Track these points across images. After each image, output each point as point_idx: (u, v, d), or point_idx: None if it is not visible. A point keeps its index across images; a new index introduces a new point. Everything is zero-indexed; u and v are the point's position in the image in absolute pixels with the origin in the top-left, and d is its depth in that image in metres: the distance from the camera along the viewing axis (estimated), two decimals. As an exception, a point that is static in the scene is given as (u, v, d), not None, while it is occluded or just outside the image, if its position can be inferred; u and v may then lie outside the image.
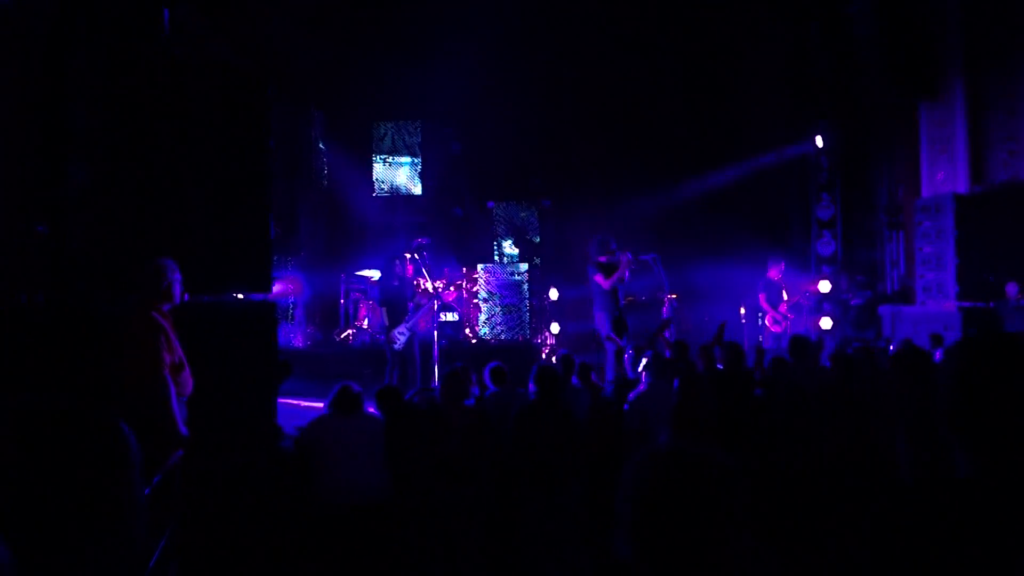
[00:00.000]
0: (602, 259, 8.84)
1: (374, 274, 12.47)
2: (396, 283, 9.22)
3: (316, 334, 12.89)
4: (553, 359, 9.25)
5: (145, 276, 4.56)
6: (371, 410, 5.52)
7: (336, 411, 5.19)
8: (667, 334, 9.45)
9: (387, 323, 9.05)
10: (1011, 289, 9.79)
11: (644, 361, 5.90)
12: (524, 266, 12.79)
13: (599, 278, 8.65)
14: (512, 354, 10.13)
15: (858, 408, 5.45)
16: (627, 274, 8.77)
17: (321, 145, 14.29)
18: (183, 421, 4.49)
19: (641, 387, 5.76)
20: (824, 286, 12.10)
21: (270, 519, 5.18)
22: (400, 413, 5.41)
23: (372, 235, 14.55)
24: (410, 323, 9.12)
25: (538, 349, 11.76)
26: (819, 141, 13.46)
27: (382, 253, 13.15)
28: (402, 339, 9.01)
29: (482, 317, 12.62)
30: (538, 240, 14.08)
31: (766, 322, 10.87)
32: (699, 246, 13.29)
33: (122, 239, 5.37)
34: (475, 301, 12.82)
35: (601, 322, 8.82)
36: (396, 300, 9.15)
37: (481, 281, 12.71)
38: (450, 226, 14.60)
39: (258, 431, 5.63)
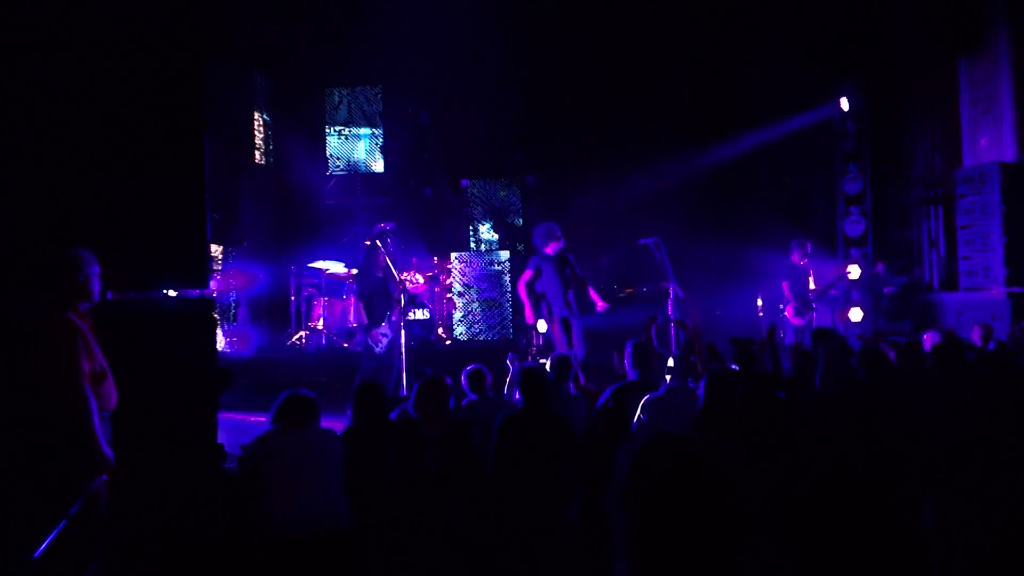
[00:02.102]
0: (548, 250, 9.25)
1: (330, 266, 12.43)
2: (380, 274, 9.20)
3: (262, 337, 12.83)
4: (542, 361, 9.26)
5: (57, 270, 4.50)
6: (327, 423, 5.49)
7: (283, 425, 5.13)
8: (684, 320, 9.51)
9: (366, 321, 9.01)
10: None
11: (671, 361, 5.93)
12: (505, 254, 12.83)
13: (527, 274, 9.16)
14: (493, 356, 10.10)
15: (891, 412, 5.49)
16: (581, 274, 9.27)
17: (265, 116, 14.20)
18: (106, 440, 4.44)
19: (660, 391, 5.78)
20: (854, 271, 12.17)
21: (210, 553, 5.14)
22: (377, 421, 5.40)
23: (327, 220, 14.49)
24: (393, 322, 9.10)
25: (524, 350, 11.76)
26: (844, 104, 13.52)
27: (338, 241, 13.14)
28: (384, 341, 8.99)
29: (457, 314, 12.61)
30: (521, 223, 14.07)
31: (787, 313, 10.93)
32: (708, 228, 13.36)
33: (29, 228, 5.30)
34: (448, 295, 12.80)
35: (552, 322, 9.22)
36: (379, 294, 9.13)
37: (455, 272, 12.70)
38: (418, 208, 14.58)
39: (195, 451, 5.59)
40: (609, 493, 5.31)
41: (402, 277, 10.20)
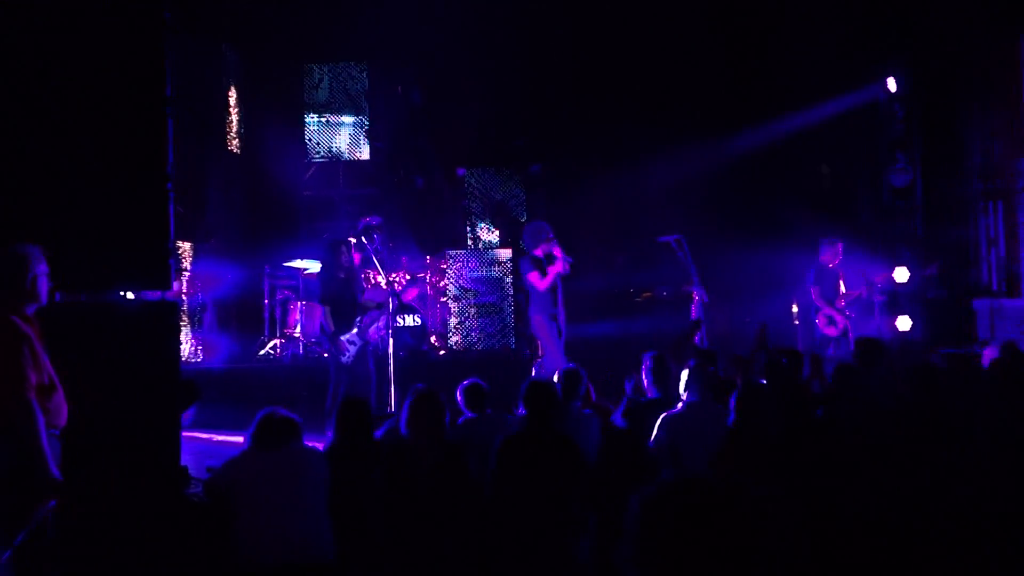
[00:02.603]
0: (538, 252, 9.36)
1: (309, 265, 12.43)
2: (342, 275, 9.21)
3: (232, 345, 12.82)
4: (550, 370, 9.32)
5: (0, 269, 4.50)
6: (311, 443, 5.49)
7: (260, 446, 5.14)
8: (696, 339, 9.50)
9: (331, 328, 9.02)
10: None
11: (685, 375, 5.94)
12: (507, 253, 12.84)
13: (534, 276, 9.25)
14: (493, 369, 10.11)
15: (944, 433, 5.48)
16: (567, 268, 9.33)
17: (236, 95, 14.20)
18: (55, 461, 4.43)
19: (678, 408, 5.78)
20: (900, 274, 12.15)
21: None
22: (362, 441, 5.39)
23: (305, 214, 14.50)
24: (362, 328, 9.11)
25: (527, 362, 11.75)
26: (891, 84, 13.49)
27: (319, 237, 13.13)
28: (352, 349, 9.00)
29: (452, 321, 12.60)
30: (524, 219, 14.08)
31: (818, 322, 10.94)
32: (736, 224, 13.34)
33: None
34: (443, 299, 12.79)
35: (539, 326, 9.37)
36: (342, 298, 9.14)
37: (450, 273, 12.69)
38: (408, 201, 14.58)
39: (157, 474, 5.58)
40: (618, 542, 5.31)
41: (391, 278, 10.21)
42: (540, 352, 11.41)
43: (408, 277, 12.30)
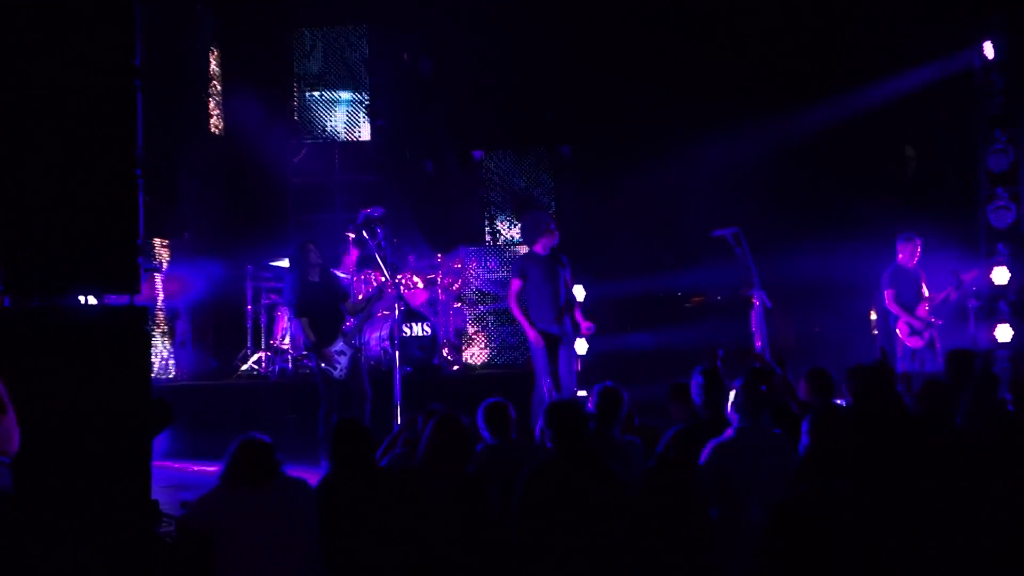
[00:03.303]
0: (538, 248, 9.63)
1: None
2: (316, 279, 9.27)
3: (210, 359, 12.85)
4: (581, 395, 9.28)
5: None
6: (297, 472, 5.50)
7: (239, 479, 5.14)
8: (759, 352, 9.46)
9: (312, 341, 9.07)
10: None
11: (733, 394, 5.90)
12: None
13: (516, 283, 9.51)
14: (517, 387, 10.10)
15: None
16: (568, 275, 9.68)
17: (215, 67, 14.24)
18: (4, 493, 4.45)
19: (727, 433, 5.75)
20: (1000, 275, 12.04)
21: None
22: (362, 470, 5.39)
23: (295, 205, 14.46)
24: (349, 332, 9.13)
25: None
26: (988, 50, 13.38)
27: (311, 231, 13.15)
28: (344, 360, 9.02)
29: (468, 330, 12.58)
30: (553, 209, 14.05)
31: (899, 332, 10.86)
32: (802, 218, 13.29)
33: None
34: (457, 305, 12.79)
35: (535, 341, 9.53)
36: (320, 304, 9.23)
37: (466, 274, 12.69)
38: (416, 189, 14.58)
39: (123, 510, 5.59)
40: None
41: (396, 280, 10.21)
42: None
43: (416, 278, 12.29)
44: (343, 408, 8.97)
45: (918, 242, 11.02)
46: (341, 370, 9.05)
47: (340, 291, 9.57)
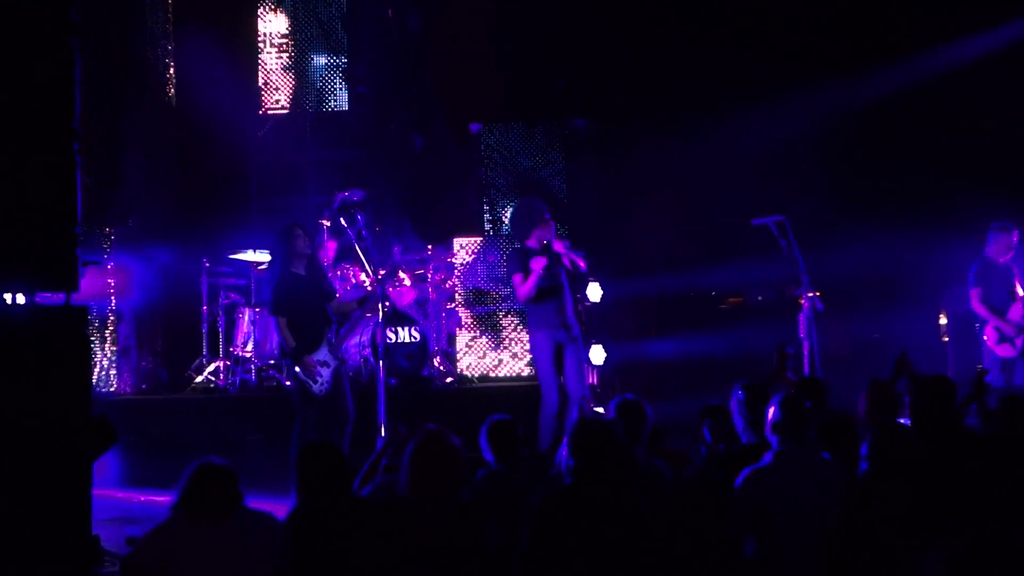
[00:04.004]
0: (531, 242, 9.54)
1: (264, 258, 12.39)
2: (303, 272, 9.20)
3: (159, 369, 12.83)
4: (598, 410, 9.25)
5: None
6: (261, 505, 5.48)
7: (195, 511, 5.13)
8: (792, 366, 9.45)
9: (291, 346, 9.00)
10: None
11: (771, 413, 5.87)
12: (540, 240, 12.77)
13: (517, 279, 9.44)
14: (523, 403, 10.08)
15: None
16: (581, 264, 9.56)
17: (166, 24, 14.21)
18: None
19: (766, 459, 5.74)
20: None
21: None
22: (337, 500, 5.37)
23: (259, 187, 14.47)
24: (336, 342, 9.09)
25: (566, 393, 11.73)
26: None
27: (278, 218, 13.10)
28: (326, 374, 8.98)
29: (463, 336, 12.55)
30: (564, 193, 14.03)
31: (986, 338, 10.82)
32: (861, 202, 13.27)
33: None
34: (450, 306, 12.76)
35: (533, 349, 9.63)
36: (304, 302, 9.14)
37: (461, 269, 12.66)
38: (403, 169, 14.57)
39: (58, 547, 5.57)
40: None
41: (378, 275, 10.18)
42: (592, 379, 11.40)
43: (403, 274, 12.27)
44: (320, 430, 8.89)
45: (1015, 233, 10.82)
46: (322, 384, 8.95)
47: (328, 288, 9.50)
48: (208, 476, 5.20)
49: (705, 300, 13.59)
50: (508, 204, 14.00)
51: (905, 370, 7.43)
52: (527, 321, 9.69)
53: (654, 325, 11.85)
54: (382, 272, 10.78)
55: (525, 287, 9.27)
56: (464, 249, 12.80)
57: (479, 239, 13.11)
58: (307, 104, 14.79)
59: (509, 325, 12.59)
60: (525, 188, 14.22)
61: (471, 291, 12.65)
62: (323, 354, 8.99)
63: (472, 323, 12.59)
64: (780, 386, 8.46)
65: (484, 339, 12.62)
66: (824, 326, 10.22)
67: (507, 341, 12.59)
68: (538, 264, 9.20)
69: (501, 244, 12.86)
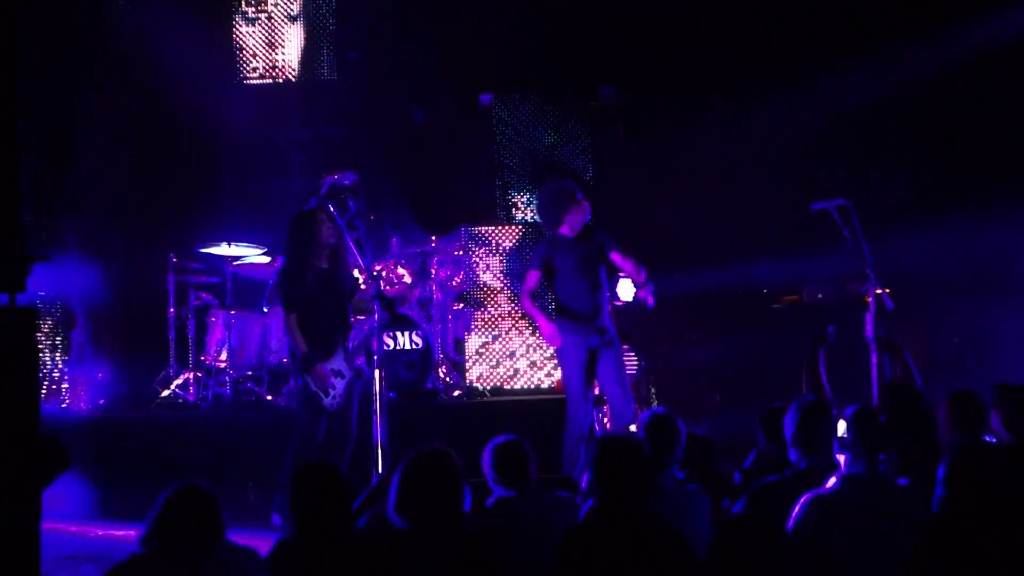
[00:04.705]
0: (564, 230, 9.67)
1: (243, 252, 12.40)
2: (324, 264, 9.24)
3: (118, 381, 12.85)
4: (628, 427, 9.26)
5: None
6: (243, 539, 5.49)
7: (170, 543, 5.14)
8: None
9: (302, 351, 9.02)
10: None
11: (841, 428, 5.86)
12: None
13: (530, 278, 9.66)
14: (540, 420, 10.08)
15: None
16: (628, 267, 9.68)
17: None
18: None
19: (831, 483, 5.74)
20: None
21: None
22: (332, 532, 5.38)
23: (235, 169, 14.48)
24: (353, 351, 9.23)
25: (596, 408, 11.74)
26: None
27: (256, 207, 13.13)
28: (340, 386, 9.00)
29: (473, 341, 12.57)
30: (589, 174, 14.04)
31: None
32: (941, 186, 13.25)
33: None
34: (459, 306, 12.77)
35: (567, 357, 9.56)
36: (324, 302, 9.21)
37: (471, 264, 12.67)
38: (401, 148, 14.64)
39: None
40: None
41: (374, 272, 10.21)
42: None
43: (402, 270, 12.29)
44: (324, 449, 8.92)
45: None
46: (335, 398, 8.97)
47: (350, 284, 9.50)
48: (190, 501, 5.18)
49: (754, 298, 13.57)
50: (524, 187, 14.03)
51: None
52: (554, 323, 9.59)
53: (694, 328, 11.84)
54: (377, 268, 10.82)
55: (527, 301, 9.56)
56: (474, 240, 12.79)
57: (491, 228, 13.11)
58: (290, 73, 14.82)
59: (527, 328, 12.58)
60: (544, 169, 14.23)
61: (482, 289, 12.65)
62: (338, 363, 9.05)
63: (484, 326, 12.59)
64: (813, 389, 8.49)
65: (498, 345, 12.61)
66: (895, 328, 10.21)
67: (525, 347, 12.58)
68: (548, 333, 9.47)
69: (517, 234, 12.85)
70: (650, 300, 9.53)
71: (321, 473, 5.55)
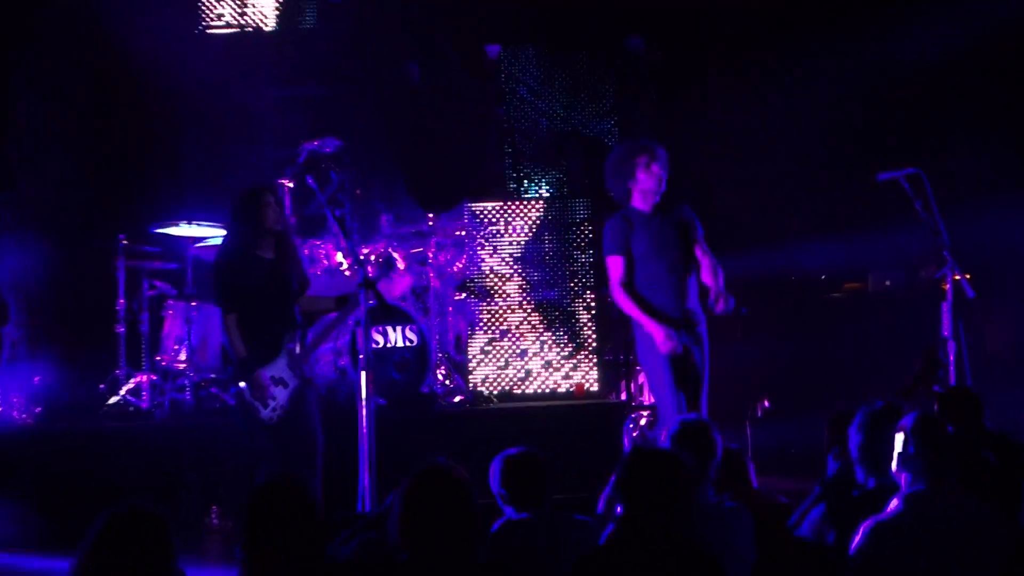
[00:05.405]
0: (636, 203, 9.45)
1: (205, 233, 12.41)
2: (270, 253, 9.19)
3: (58, 385, 12.83)
4: (660, 436, 9.22)
5: None
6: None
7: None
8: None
9: (242, 353, 9.02)
10: None
11: (900, 441, 5.80)
12: (583, 206, 12.82)
13: (613, 266, 9.40)
14: (556, 430, 10.05)
15: None
16: (705, 266, 9.43)
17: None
18: None
19: (893, 506, 5.69)
20: None
21: None
22: (305, 564, 5.33)
23: (197, 135, 14.49)
24: (301, 354, 9.14)
25: (619, 415, 11.71)
26: None
27: (222, 178, 13.13)
28: (281, 396, 8.96)
29: (478, 338, 12.54)
30: (614, 140, 14.03)
31: None
32: (1020, 153, 13.21)
33: None
34: (459, 296, 12.74)
35: (645, 355, 9.43)
36: (266, 299, 9.14)
37: (477, 247, 12.64)
38: (394, 109, 14.65)
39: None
40: None
41: (361, 256, 10.16)
42: (646, 399, 11.41)
43: (394, 254, 12.25)
44: (279, 467, 8.86)
45: None
46: (274, 409, 8.92)
47: (300, 280, 9.41)
48: (131, 527, 5.07)
49: (811, 286, 13.56)
50: (538, 156, 14.00)
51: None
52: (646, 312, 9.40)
53: (737, 321, 11.74)
54: (364, 251, 10.77)
55: (623, 294, 9.26)
56: (479, 218, 12.73)
57: (499, 204, 13.03)
58: (263, 22, 14.82)
59: (542, 324, 12.55)
60: (562, 137, 14.22)
61: (489, 276, 12.59)
62: (280, 368, 8.95)
63: (490, 320, 12.53)
64: (920, 402, 8.45)
65: (507, 342, 12.56)
66: (976, 320, 10.18)
67: (539, 345, 12.52)
68: (661, 338, 9.11)
69: (531, 212, 12.78)
70: (719, 307, 9.40)
71: (281, 493, 5.47)
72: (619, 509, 5.32)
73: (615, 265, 9.36)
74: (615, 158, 9.61)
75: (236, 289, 9.09)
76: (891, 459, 6.06)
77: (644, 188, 9.35)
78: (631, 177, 9.35)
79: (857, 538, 5.60)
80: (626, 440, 9.70)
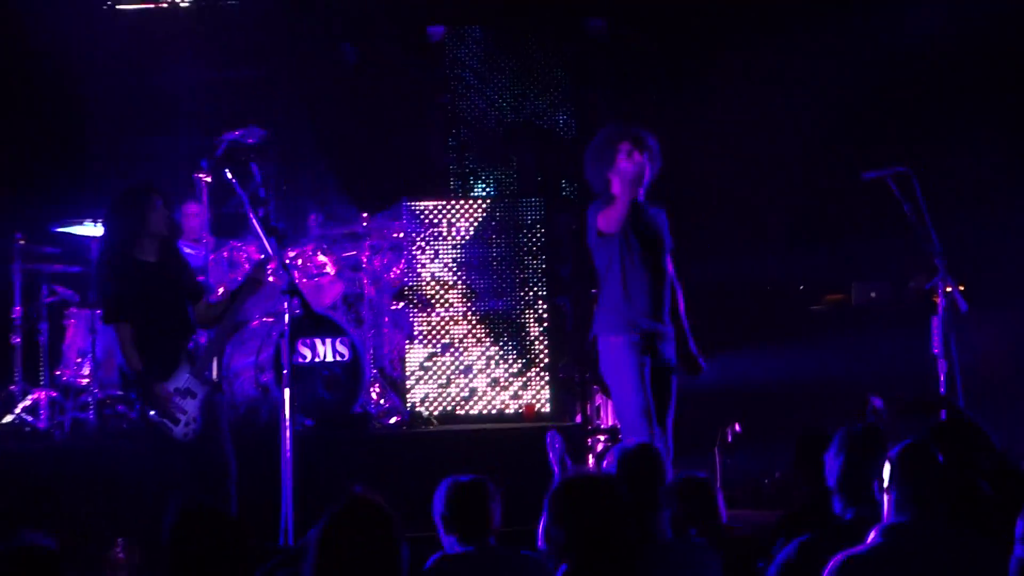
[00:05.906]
0: (615, 188, 9.26)
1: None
2: (153, 256, 9.17)
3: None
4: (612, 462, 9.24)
5: None
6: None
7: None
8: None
9: (135, 369, 8.99)
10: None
11: (886, 472, 5.84)
12: (534, 204, 12.89)
13: (603, 218, 9.20)
14: (500, 456, 10.09)
15: None
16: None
17: None
18: None
19: (870, 539, 5.71)
20: None
21: None
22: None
23: (104, 121, 14.46)
24: (201, 362, 9.12)
25: (576, 439, 11.72)
26: None
27: (132, 171, 13.11)
28: (192, 408, 8.95)
29: (417, 352, 12.56)
30: (571, 133, 14.07)
31: None
32: (1020, 152, 13.30)
33: None
34: (398, 305, 12.76)
35: (608, 357, 9.34)
36: (155, 302, 9.13)
37: (417, 251, 12.66)
38: (326, 95, 14.68)
39: None
40: None
41: (287, 258, 10.17)
42: (604, 421, 11.43)
43: (323, 257, 12.26)
44: (195, 492, 8.85)
45: None
46: (189, 424, 8.92)
47: (190, 283, 9.39)
48: (21, 562, 5.12)
49: (788, 297, 13.60)
50: (485, 150, 14.02)
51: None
52: (596, 317, 9.49)
53: (710, 332, 11.76)
54: (290, 254, 10.76)
55: (612, 215, 9.07)
56: (419, 219, 12.74)
57: (442, 203, 13.06)
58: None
59: (488, 337, 12.60)
60: (513, 127, 14.25)
61: (430, 283, 12.61)
62: (183, 379, 8.92)
63: (431, 333, 12.55)
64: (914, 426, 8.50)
65: (449, 357, 12.58)
66: (969, 335, 10.23)
67: (484, 361, 12.56)
68: (625, 173, 9.11)
69: (478, 212, 12.80)
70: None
71: (207, 522, 5.48)
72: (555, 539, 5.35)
73: (603, 219, 9.21)
74: (595, 143, 9.61)
75: (120, 297, 9.06)
76: (872, 488, 6.11)
77: (624, 178, 9.17)
78: (611, 165, 9.26)
79: (830, 567, 5.62)
80: (551, 456, 9.59)
